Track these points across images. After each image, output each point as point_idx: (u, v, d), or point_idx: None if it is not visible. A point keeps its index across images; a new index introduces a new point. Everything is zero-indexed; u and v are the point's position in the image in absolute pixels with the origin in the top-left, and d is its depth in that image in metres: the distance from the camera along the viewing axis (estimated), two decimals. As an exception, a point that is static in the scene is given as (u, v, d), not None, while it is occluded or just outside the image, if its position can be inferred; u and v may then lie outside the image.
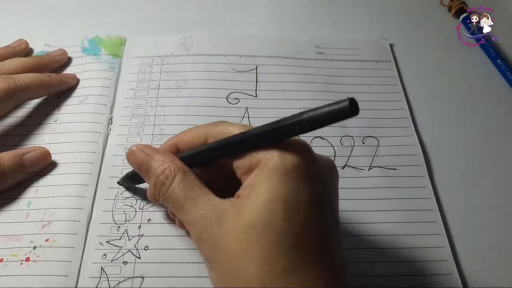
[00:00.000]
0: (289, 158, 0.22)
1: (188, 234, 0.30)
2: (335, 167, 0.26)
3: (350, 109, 0.20)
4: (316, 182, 0.23)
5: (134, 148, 0.27)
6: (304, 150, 0.23)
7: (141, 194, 0.33)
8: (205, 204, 0.24)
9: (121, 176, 0.34)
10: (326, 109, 0.20)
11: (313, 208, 0.23)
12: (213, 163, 0.26)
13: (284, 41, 0.45)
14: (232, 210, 0.23)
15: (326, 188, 0.24)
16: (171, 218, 0.31)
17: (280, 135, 0.23)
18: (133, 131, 0.37)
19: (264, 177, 0.22)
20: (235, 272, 0.22)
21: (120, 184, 0.34)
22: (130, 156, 0.28)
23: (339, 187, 0.27)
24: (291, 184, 0.22)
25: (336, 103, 0.20)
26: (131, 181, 0.32)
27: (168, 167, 0.25)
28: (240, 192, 0.24)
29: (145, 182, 0.31)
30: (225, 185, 0.26)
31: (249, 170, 0.23)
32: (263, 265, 0.21)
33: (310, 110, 0.21)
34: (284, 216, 0.22)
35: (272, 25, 0.48)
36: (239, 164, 0.24)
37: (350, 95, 0.40)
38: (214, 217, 0.23)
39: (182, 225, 0.28)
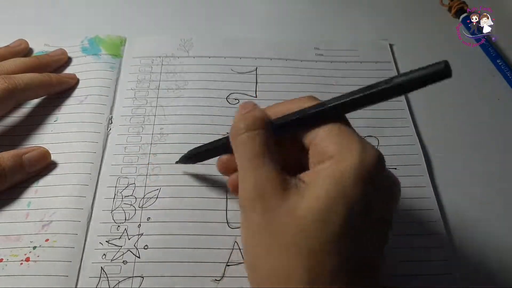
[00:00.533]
0: (365, 164, 0.22)
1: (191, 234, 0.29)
2: (399, 188, 0.25)
3: (445, 70, 0.20)
4: (383, 196, 0.23)
5: (249, 100, 0.28)
6: (380, 161, 0.23)
7: (141, 193, 0.34)
8: (274, 170, 0.23)
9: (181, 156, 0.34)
10: (420, 72, 0.20)
11: (373, 219, 0.22)
12: (295, 130, 0.25)
13: (284, 43, 0.45)
14: (295, 192, 0.22)
15: (388, 203, 0.24)
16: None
17: (367, 102, 0.23)
18: (133, 131, 0.37)
19: (335, 173, 0.22)
20: (283, 253, 0.21)
21: (177, 163, 0.34)
22: (243, 103, 0.27)
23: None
24: (359, 189, 0.22)
25: (431, 66, 0.20)
26: (194, 159, 0.32)
27: (262, 117, 0.25)
28: (305, 176, 0.23)
29: (205, 160, 0.32)
30: (292, 161, 0.25)
31: (322, 156, 0.23)
32: (313, 260, 0.21)
33: (400, 75, 0.21)
34: (344, 219, 0.21)
35: (272, 26, 0.48)
36: (317, 144, 0.23)
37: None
38: (277, 188, 0.22)
39: (233, 185, 0.26)
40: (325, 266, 0.21)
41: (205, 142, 0.32)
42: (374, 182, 0.22)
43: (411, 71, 0.21)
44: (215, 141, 0.30)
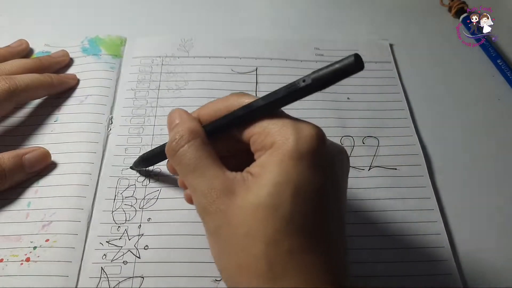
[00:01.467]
0: (304, 144, 0.23)
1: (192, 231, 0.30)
2: (346, 155, 0.27)
3: (355, 64, 0.20)
4: (327, 170, 0.24)
5: (174, 109, 0.28)
6: (318, 137, 0.23)
7: (141, 194, 0.34)
8: (216, 174, 0.24)
9: (132, 163, 0.35)
10: (332, 67, 0.21)
11: (321, 195, 0.23)
12: (228, 132, 0.26)
13: (284, 43, 0.45)
14: (242, 187, 0.23)
15: (336, 176, 0.25)
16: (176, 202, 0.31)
17: (291, 99, 0.24)
18: (133, 131, 0.37)
19: (277, 160, 0.23)
20: (240, 248, 0.22)
21: (132, 169, 0.35)
22: (169, 115, 0.28)
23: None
24: (302, 169, 0.22)
25: (342, 60, 0.21)
26: (143, 164, 0.33)
27: (188, 128, 0.26)
28: (251, 169, 0.24)
29: (154, 164, 0.33)
30: (239, 161, 0.26)
31: (263, 148, 0.24)
32: (269, 245, 0.21)
33: (316, 71, 0.22)
34: (292, 200, 0.22)
35: (272, 27, 0.48)
36: (255, 140, 0.24)
37: (351, 96, 0.41)
38: (224, 190, 0.23)
39: (190, 199, 0.27)
40: (281, 247, 0.21)
41: None
42: (316, 159, 0.23)
43: (325, 67, 0.22)
44: (163, 144, 0.30)
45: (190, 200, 0.28)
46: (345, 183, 0.26)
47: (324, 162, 0.24)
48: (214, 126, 0.26)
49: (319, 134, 0.24)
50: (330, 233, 0.23)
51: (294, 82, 0.23)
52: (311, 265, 0.22)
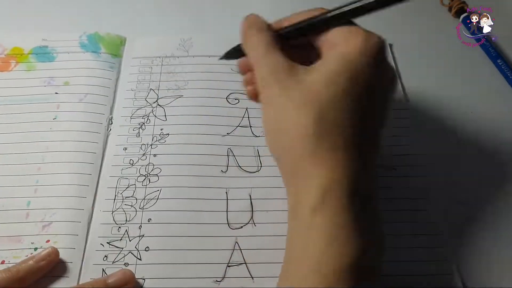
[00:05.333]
0: (371, 47, 0.26)
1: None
2: (396, 75, 0.30)
3: None
4: (383, 77, 0.27)
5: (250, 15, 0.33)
6: (383, 47, 0.27)
7: (141, 194, 0.34)
8: (282, 56, 0.28)
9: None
10: None
11: (374, 92, 0.26)
12: (305, 36, 0.30)
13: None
14: (303, 70, 0.27)
15: (389, 85, 0.28)
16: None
17: (359, 13, 0.28)
18: (133, 131, 0.37)
19: (343, 51, 0.26)
20: (292, 117, 0.25)
21: (222, 58, 0.35)
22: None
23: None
24: (362, 65, 0.26)
25: None
26: (230, 56, 0.35)
27: (266, 23, 0.31)
28: (313, 65, 0.27)
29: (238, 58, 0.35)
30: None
31: (333, 46, 0.27)
32: (316, 118, 0.25)
33: None
34: (347, 82, 0.25)
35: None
36: (329, 40, 0.28)
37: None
38: (286, 68, 0.27)
39: (253, 94, 0.31)
40: (329, 117, 0.25)
41: (206, 142, 0.35)
42: (376, 63, 0.26)
43: None
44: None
45: (253, 95, 0.31)
46: (392, 99, 0.29)
47: (381, 69, 0.27)
48: (293, 28, 0.30)
49: (384, 45, 0.27)
50: (372, 128, 0.27)
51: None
52: (348, 143, 0.25)
